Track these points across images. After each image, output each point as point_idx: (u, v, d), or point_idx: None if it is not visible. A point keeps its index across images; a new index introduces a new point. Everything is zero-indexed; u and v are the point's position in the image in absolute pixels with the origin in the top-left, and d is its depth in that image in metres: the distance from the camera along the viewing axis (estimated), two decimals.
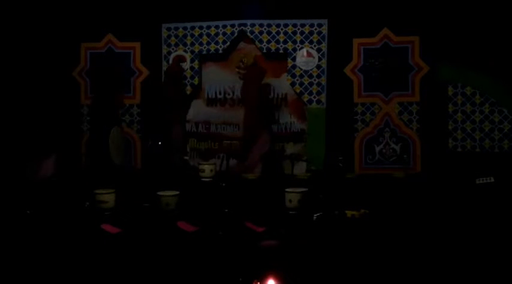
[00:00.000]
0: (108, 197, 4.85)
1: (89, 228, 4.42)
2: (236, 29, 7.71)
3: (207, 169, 6.25)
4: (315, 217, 4.68)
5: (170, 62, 7.76)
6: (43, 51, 7.47)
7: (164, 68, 7.83)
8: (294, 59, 7.62)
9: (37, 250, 4.01)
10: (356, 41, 7.48)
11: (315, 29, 7.59)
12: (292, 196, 4.84)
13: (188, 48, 7.83)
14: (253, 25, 7.66)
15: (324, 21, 7.57)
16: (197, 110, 7.93)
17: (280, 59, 7.69)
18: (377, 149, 7.44)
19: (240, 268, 3.62)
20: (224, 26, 7.74)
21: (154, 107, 7.55)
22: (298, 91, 7.60)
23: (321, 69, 7.55)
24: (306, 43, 7.60)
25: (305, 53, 7.61)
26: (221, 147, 7.81)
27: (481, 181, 5.73)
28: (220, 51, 7.76)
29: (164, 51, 7.87)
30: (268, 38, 7.64)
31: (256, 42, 7.67)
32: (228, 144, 7.76)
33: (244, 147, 7.31)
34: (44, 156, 6.36)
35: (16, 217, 4.79)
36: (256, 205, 5.08)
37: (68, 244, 4.11)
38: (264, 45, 7.65)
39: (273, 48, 7.65)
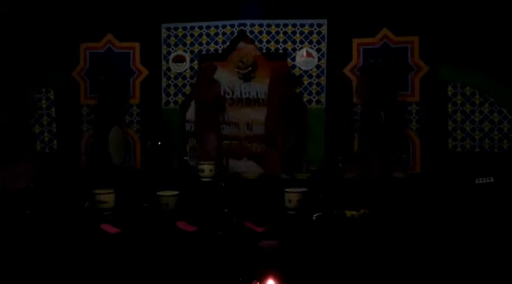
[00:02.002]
0: (107, 197, 4.85)
1: (88, 228, 4.42)
2: (236, 29, 7.71)
3: (207, 169, 6.24)
4: (314, 217, 4.68)
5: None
6: (43, 51, 7.48)
7: (164, 68, 7.84)
8: (293, 59, 7.63)
9: (36, 250, 4.01)
10: (356, 41, 7.47)
11: (315, 29, 7.59)
12: (292, 196, 4.84)
13: (188, 48, 7.83)
14: (252, 25, 7.66)
15: (324, 21, 7.57)
16: None
17: (279, 59, 7.70)
18: None
19: (239, 268, 3.62)
20: (224, 26, 7.74)
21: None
22: (297, 91, 7.60)
23: (321, 69, 7.55)
24: (306, 43, 7.60)
25: (304, 53, 7.61)
26: (221, 147, 7.82)
27: (480, 181, 5.73)
28: (220, 51, 7.77)
29: (164, 51, 7.87)
30: (268, 38, 7.64)
31: (256, 42, 7.68)
32: (228, 143, 7.77)
33: None
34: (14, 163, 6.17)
35: (15, 217, 4.79)
36: (255, 205, 5.08)
37: (68, 244, 4.11)
38: (264, 45, 7.65)
39: (272, 48, 7.65)
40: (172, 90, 7.87)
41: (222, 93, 7.84)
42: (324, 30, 7.57)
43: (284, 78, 7.29)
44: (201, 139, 7.39)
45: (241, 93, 7.83)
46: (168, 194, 4.98)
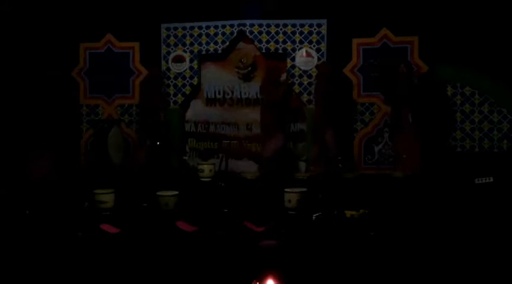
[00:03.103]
0: (107, 197, 4.85)
1: (88, 228, 4.42)
2: (235, 29, 7.71)
3: (206, 169, 6.24)
4: (314, 217, 4.68)
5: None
6: (43, 51, 7.48)
7: (164, 68, 7.84)
8: (293, 59, 7.63)
9: (36, 250, 4.01)
10: (355, 41, 7.48)
11: (314, 29, 7.59)
12: (292, 196, 4.83)
13: (187, 48, 7.83)
14: (252, 25, 7.67)
15: (323, 21, 7.58)
16: (196, 110, 7.94)
17: (279, 59, 7.70)
18: (376, 149, 7.44)
19: (239, 268, 3.62)
20: (223, 26, 7.74)
21: None
22: (297, 91, 7.60)
23: None
24: (305, 43, 7.60)
25: (304, 53, 7.61)
26: (220, 147, 7.82)
27: (480, 181, 5.73)
28: (220, 51, 7.77)
29: (163, 51, 7.87)
30: (268, 38, 7.65)
31: (256, 42, 7.68)
32: (227, 143, 7.78)
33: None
34: (39, 156, 6.38)
35: (15, 217, 4.79)
36: (255, 205, 5.08)
37: (67, 244, 4.11)
38: (263, 45, 7.66)
39: (272, 48, 7.65)
40: (172, 90, 7.87)
41: (222, 94, 7.86)
42: (324, 30, 7.57)
43: (331, 76, 7.11)
44: (267, 139, 7.15)
45: (240, 93, 7.83)
46: (168, 194, 4.98)
